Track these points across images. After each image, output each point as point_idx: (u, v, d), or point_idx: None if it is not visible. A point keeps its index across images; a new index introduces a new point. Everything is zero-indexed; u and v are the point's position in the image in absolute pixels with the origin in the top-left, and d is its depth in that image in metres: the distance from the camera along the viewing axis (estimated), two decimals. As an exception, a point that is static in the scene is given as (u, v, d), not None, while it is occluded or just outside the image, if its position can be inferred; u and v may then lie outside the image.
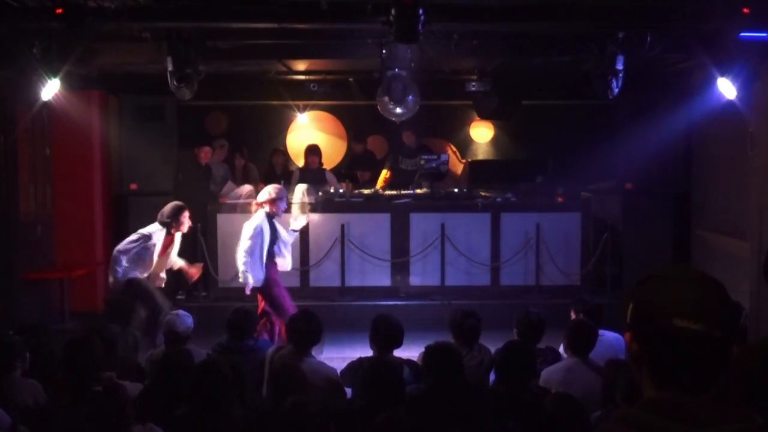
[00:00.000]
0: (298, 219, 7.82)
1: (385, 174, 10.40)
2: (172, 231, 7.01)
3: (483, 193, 9.67)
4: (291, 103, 10.98)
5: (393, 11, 5.73)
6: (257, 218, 7.04)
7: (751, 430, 1.49)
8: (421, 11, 5.70)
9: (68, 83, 7.33)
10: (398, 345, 5.20)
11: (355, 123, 11.32)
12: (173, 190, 9.18)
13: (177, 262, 7.35)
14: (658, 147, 9.24)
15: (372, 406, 3.91)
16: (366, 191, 9.74)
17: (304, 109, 11.24)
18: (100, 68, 8.67)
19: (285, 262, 7.32)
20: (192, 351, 5.13)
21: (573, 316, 5.78)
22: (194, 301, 8.85)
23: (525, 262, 9.29)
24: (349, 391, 5.02)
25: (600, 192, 9.95)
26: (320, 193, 9.25)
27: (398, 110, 8.12)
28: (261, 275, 7.01)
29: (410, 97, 8.02)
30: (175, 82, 7.22)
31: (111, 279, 6.97)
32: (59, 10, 5.88)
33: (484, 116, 10.58)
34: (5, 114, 7.79)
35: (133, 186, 9.58)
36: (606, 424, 1.59)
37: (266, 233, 7.03)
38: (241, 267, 6.96)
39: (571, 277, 9.26)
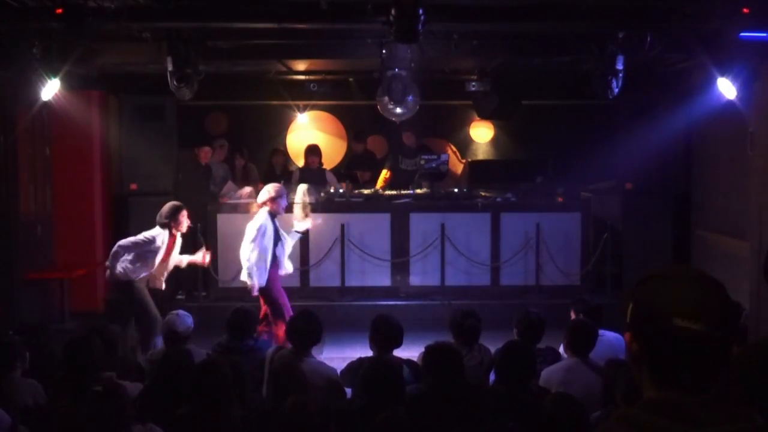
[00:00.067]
0: (302, 222, 7.74)
1: (385, 174, 10.40)
2: (173, 231, 7.01)
3: (483, 193, 9.67)
4: (291, 103, 10.98)
5: (393, 11, 5.73)
6: (260, 217, 7.04)
7: (751, 430, 1.49)
8: (421, 11, 5.69)
9: (68, 83, 7.33)
10: (398, 345, 5.20)
11: (355, 123, 11.32)
12: (173, 190, 9.18)
13: (183, 259, 7.34)
14: (658, 147, 9.24)
15: (372, 406, 3.91)
16: (366, 191, 9.74)
17: (304, 109, 11.24)
18: (100, 68, 8.68)
19: (285, 266, 7.29)
20: (192, 351, 5.13)
21: (573, 316, 5.78)
22: (194, 301, 8.85)
23: (525, 262, 9.29)
24: (349, 391, 5.02)
25: (600, 192, 9.95)
26: (322, 194, 9.26)
27: (398, 110, 8.12)
28: (265, 275, 7.00)
29: (410, 97, 8.02)
30: (175, 82, 7.22)
31: (107, 272, 6.96)
32: (59, 10, 5.88)
33: (484, 116, 10.58)
34: (5, 114, 7.80)
35: (133, 186, 9.58)
36: (606, 424, 1.59)
37: (270, 232, 7.02)
38: (245, 265, 6.93)
39: (571, 277, 9.26)
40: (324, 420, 3.89)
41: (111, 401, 3.67)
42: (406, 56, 7.55)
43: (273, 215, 7.10)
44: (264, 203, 7.10)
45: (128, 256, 6.84)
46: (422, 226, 9.25)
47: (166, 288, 7.36)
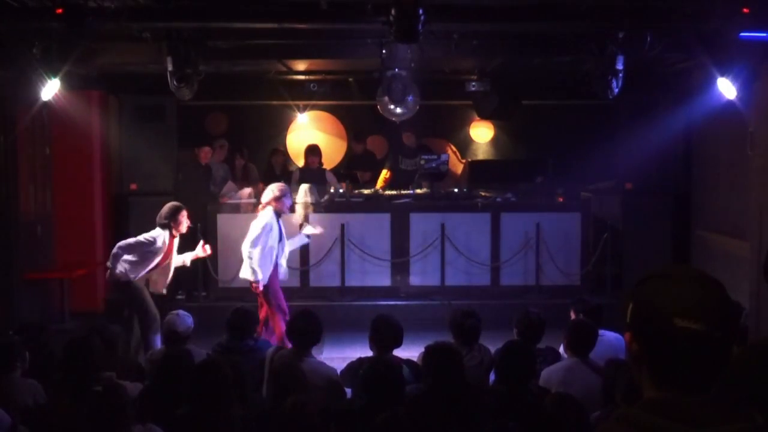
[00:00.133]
0: (316, 227, 7.82)
1: (385, 174, 10.40)
2: (173, 232, 7.00)
3: (483, 193, 9.67)
4: (291, 103, 10.98)
5: (393, 11, 5.73)
6: (266, 216, 7.04)
7: (751, 430, 1.49)
8: (421, 11, 5.69)
9: (68, 83, 7.32)
10: (398, 345, 5.20)
11: (355, 123, 11.32)
12: (173, 190, 9.18)
13: (186, 258, 7.33)
14: (658, 147, 9.25)
15: (372, 406, 3.90)
16: (366, 191, 9.75)
17: (304, 109, 11.24)
18: (100, 68, 8.67)
19: (282, 269, 7.27)
20: (192, 351, 5.13)
21: (573, 316, 5.78)
22: (194, 301, 8.84)
23: (525, 262, 9.29)
24: (349, 391, 5.02)
25: (600, 192, 9.95)
26: (326, 197, 9.27)
27: (398, 110, 8.12)
28: (267, 273, 6.99)
29: (410, 97, 8.02)
30: (175, 82, 7.22)
31: (108, 273, 6.96)
32: (59, 10, 5.88)
33: (484, 116, 10.58)
34: (5, 114, 7.80)
35: (133, 186, 9.60)
36: (606, 424, 1.59)
37: (275, 232, 7.03)
38: (246, 260, 6.92)
39: (571, 277, 9.26)
40: (324, 420, 3.89)
41: (111, 401, 3.67)
42: (406, 56, 7.55)
43: (278, 215, 7.11)
44: (268, 203, 7.10)
45: (128, 257, 6.83)
46: (422, 226, 9.25)
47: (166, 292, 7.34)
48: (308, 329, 5.12)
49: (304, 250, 8.95)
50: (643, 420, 1.49)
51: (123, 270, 6.81)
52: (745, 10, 6.10)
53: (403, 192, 9.64)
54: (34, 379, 4.57)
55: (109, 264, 6.91)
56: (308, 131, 11.53)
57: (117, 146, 9.70)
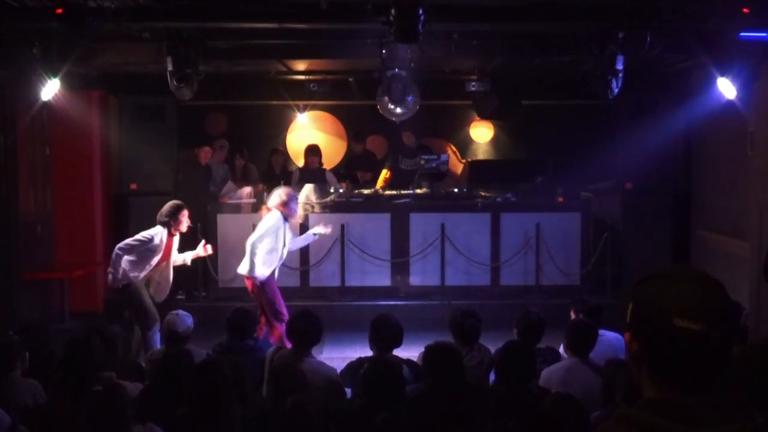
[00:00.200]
0: (327, 226, 7.86)
1: (385, 174, 10.40)
2: (173, 231, 7.00)
3: (483, 193, 9.67)
4: (291, 103, 10.97)
5: (393, 11, 5.73)
6: (274, 217, 7.03)
7: (751, 430, 1.49)
8: (421, 11, 5.69)
9: (68, 83, 7.33)
10: (398, 345, 5.21)
11: (355, 123, 11.32)
12: (173, 190, 9.17)
13: (187, 257, 7.32)
14: (658, 147, 9.25)
15: (372, 406, 3.90)
16: (366, 191, 9.75)
17: (304, 109, 11.24)
18: (100, 68, 8.68)
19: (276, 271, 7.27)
20: (192, 351, 5.13)
21: (573, 316, 5.78)
22: (194, 301, 8.84)
23: (525, 262, 9.29)
24: (349, 391, 5.02)
25: (600, 192, 9.95)
26: (330, 197, 9.27)
27: (398, 110, 8.12)
28: (268, 272, 6.99)
29: (410, 97, 8.02)
30: (175, 82, 7.22)
31: (110, 277, 6.96)
32: (59, 10, 5.88)
33: (484, 116, 10.58)
34: (5, 114, 7.80)
35: (133, 186, 9.60)
36: (606, 424, 1.59)
37: (280, 233, 7.02)
38: (249, 254, 6.89)
39: (571, 277, 9.26)
40: (324, 420, 3.89)
41: (111, 401, 3.67)
42: (406, 56, 7.55)
43: (285, 218, 7.11)
44: (275, 207, 7.10)
45: (128, 258, 6.84)
46: (422, 226, 9.25)
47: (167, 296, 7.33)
48: (308, 329, 5.12)
49: (304, 250, 8.94)
50: (643, 420, 1.49)
51: (123, 271, 6.81)
52: (745, 10, 6.10)
53: (403, 192, 9.64)
54: (34, 379, 4.57)
55: (110, 270, 6.88)
56: (308, 131, 11.53)
57: (117, 146, 9.70)
